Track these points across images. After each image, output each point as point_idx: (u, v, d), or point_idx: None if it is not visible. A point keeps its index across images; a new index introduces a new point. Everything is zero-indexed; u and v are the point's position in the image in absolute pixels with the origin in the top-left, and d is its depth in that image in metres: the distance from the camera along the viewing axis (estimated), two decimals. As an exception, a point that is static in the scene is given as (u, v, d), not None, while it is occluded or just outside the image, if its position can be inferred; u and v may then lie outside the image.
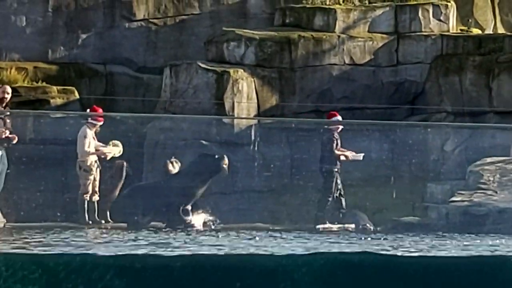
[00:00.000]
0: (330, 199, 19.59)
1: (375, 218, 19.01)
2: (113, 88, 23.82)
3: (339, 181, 19.80)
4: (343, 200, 19.74)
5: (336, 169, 19.83)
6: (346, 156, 19.79)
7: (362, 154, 19.90)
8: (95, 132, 19.35)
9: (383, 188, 19.52)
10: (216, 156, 19.40)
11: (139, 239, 13.91)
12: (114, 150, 19.38)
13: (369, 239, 14.73)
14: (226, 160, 19.22)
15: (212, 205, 18.84)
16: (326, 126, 19.86)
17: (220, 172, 19.15)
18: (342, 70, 23.45)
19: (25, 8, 24.17)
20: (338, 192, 19.74)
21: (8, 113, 19.27)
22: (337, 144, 19.81)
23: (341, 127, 19.85)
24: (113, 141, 19.45)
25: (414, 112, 22.73)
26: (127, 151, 19.66)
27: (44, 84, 23.06)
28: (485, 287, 9.16)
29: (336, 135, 19.85)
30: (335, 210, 19.60)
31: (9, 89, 19.96)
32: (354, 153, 19.86)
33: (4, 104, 19.45)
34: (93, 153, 19.24)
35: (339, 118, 19.86)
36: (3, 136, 18.90)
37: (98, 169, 19.29)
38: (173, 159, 19.66)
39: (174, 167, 19.55)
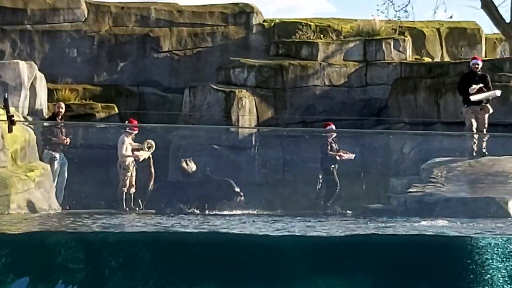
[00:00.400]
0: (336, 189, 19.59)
1: (349, 205, 18.96)
2: (144, 105, 23.84)
3: (335, 176, 19.78)
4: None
5: (332, 167, 19.78)
6: (340, 156, 19.72)
7: (354, 155, 19.84)
8: (132, 139, 19.37)
9: (356, 182, 19.50)
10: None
11: (161, 222, 13.86)
12: (145, 154, 19.38)
13: (343, 222, 14.65)
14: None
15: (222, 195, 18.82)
16: (323, 134, 19.80)
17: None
18: (323, 90, 23.45)
19: (76, 42, 24.19)
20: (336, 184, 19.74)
21: (63, 124, 19.34)
22: (331, 147, 19.75)
23: (334, 134, 19.75)
24: (148, 140, 19.45)
25: (379, 123, 22.69)
26: (156, 154, 19.66)
27: (90, 101, 23.07)
28: (429, 258, 9.15)
29: (330, 140, 19.78)
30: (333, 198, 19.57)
31: (63, 105, 20.04)
32: (347, 154, 19.79)
33: (60, 117, 19.51)
34: (129, 156, 19.26)
35: (333, 127, 19.84)
36: (65, 142, 18.98)
37: (134, 168, 19.31)
38: (187, 159, 19.64)
39: (188, 166, 19.52)
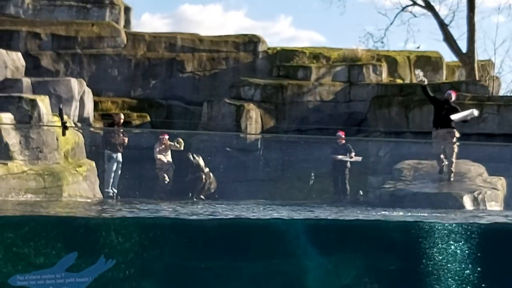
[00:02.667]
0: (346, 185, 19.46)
1: (335, 197, 18.92)
2: (171, 115, 23.82)
3: (347, 173, 19.62)
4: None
5: (344, 167, 19.65)
6: (351, 157, 19.60)
7: (361, 158, 19.68)
8: (164, 145, 19.29)
9: (340, 179, 19.42)
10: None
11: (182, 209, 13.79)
12: (178, 147, 19.39)
13: (329, 211, 14.55)
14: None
15: (233, 188, 18.78)
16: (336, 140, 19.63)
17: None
18: (315, 105, 23.43)
19: (117, 64, 24.21)
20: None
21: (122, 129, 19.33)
22: (338, 152, 19.60)
23: (343, 141, 19.59)
24: (178, 138, 19.45)
25: (360, 132, 22.67)
26: (180, 155, 19.60)
27: (128, 111, 23.05)
28: (396, 240, 9.12)
29: (339, 145, 19.64)
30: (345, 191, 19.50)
31: (122, 116, 20.14)
32: (355, 157, 19.67)
33: (119, 126, 19.51)
34: (161, 157, 19.22)
35: (341, 134, 19.73)
36: (124, 142, 18.91)
37: (170, 168, 19.21)
38: (193, 153, 19.51)
39: (194, 158, 19.44)
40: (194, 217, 10.92)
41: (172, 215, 10.97)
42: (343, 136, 19.68)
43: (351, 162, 19.62)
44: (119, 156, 18.72)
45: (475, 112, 17.61)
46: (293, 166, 20.18)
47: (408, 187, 16.96)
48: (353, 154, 19.67)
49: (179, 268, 8.75)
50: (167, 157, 19.38)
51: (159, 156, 19.27)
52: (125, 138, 18.85)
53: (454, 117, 16.95)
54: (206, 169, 19.46)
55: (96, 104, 22.39)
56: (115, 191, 18.29)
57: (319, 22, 55.48)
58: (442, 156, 17.07)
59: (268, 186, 19.53)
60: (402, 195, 16.46)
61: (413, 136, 21.09)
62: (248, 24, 55.55)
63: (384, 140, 21.41)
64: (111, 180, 18.41)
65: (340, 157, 19.57)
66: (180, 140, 19.45)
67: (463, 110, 20.20)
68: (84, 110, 21.13)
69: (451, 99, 17.48)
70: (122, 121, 19.88)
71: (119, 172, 18.66)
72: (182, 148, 19.54)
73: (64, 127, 8.73)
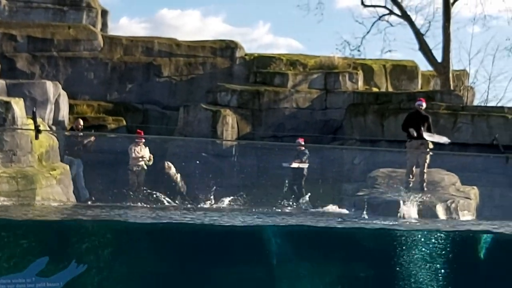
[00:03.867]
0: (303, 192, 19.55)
1: (311, 204, 18.92)
2: (147, 119, 23.76)
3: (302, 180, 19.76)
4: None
5: (299, 174, 19.75)
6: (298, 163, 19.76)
7: (307, 165, 19.85)
8: (139, 147, 19.20)
9: (316, 186, 19.44)
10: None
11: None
12: (147, 155, 19.26)
13: (305, 216, 14.57)
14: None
15: (208, 194, 18.69)
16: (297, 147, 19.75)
17: None
18: (291, 112, 23.47)
19: (93, 67, 24.16)
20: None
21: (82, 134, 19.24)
22: (297, 158, 19.71)
23: (302, 148, 19.66)
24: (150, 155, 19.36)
25: (335, 139, 22.74)
26: (157, 160, 19.52)
27: (104, 115, 22.97)
28: (369, 247, 9.15)
29: (298, 152, 19.72)
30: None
31: (82, 122, 20.01)
32: (302, 164, 19.78)
33: (79, 131, 19.43)
34: (135, 160, 19.14)
35: (301, 141, 19.82)
36: (89, 144, 18.81)
37: (142, 170, 19.12)
38: (168, 162, 19.47)
39: (169, 167, 19.38)
40: (167, 221, 10.88)
41: (145, 219, 10.91)
42: (303, 143, 19.72)
43: (307, 169, 19.73)
44: (79, 161, 18.64)
45: (447, 141, 17.82)
46: (268, 173, 20.18)
47: (382, 195, 17.01)
48: (304, 159, 19.72)
49: (152, 273, 8.72)
50: (141, 158, 19.23)
51: (133, 155, 19.13)
52: (87, 142, 18.76)
53: (427, 136, 17.09)
54: (178, 175, 19.36)
55: (71, 107, 22.28)
56: (84, 195, 18.18)
57: (297, 29, 55.70)
58: (413, 168, 17.17)
59: (243, 192, 19.48)
60: (376, 203, 16.49)
61: (388, 144, 21.17)
62: (227, 30, 55.65)
63: (359, 148, 21.47)
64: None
65: (285, 164, 19.65)
66: (151, 157, 19.34)
67: (437, 119, 20.36)
68: (59, 113, 21.01)
69: (422, 107, 17.61)
70: (81, 126, 19.78)
71: (82, 175, 18.56)
72: (150, 163, 19.37)
73: (37, 131, 8.67)
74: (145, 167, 19.27)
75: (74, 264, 7.03)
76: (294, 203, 18.71)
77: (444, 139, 17.87)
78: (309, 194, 19.25)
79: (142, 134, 19.44)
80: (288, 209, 16.83)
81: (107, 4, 26.50)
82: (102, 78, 24.13)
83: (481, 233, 9.94)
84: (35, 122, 9.08)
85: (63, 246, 8.34)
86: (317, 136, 22.29)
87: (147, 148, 19.32)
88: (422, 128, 17.00)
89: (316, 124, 23.26)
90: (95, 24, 24.98)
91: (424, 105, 17.79)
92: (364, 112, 22.78)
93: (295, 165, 19.73)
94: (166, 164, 19.40)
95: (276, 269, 8.80)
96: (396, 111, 21.55)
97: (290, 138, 21.86)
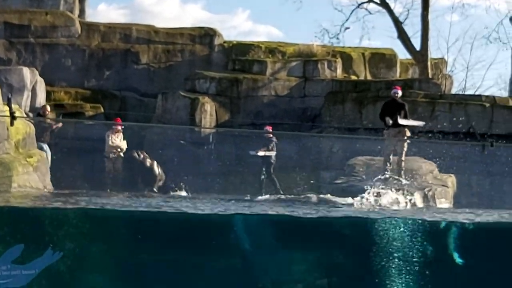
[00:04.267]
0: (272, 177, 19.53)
1: (288, 191, 18.94)
2: (125, 106, 23.68)
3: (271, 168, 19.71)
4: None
5: (268, 162, 19.73)
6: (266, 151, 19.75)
7: (275, 152, 19.73)
8: (116, 134, 19.11)
9: (293, 173, 19.48)
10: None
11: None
12: (123, 146, 19.17)
13: (284, 203, 14.56)
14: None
15: (185, 181, 18.67)
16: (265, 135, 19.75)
17: None
18: (270, 99, 23.47)
19: (71, 54, 24.05)
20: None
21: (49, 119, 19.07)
22: (264, 146, 19.70)
23: (271, 135, 19.67)
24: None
25: (314, 127, 22.78)
26: (135, 147, 19.46)
27: (81, 102, 22.88)
28: (345, 234, 9.18)
29: (267, 140, 19.72)
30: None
31: (49, 108, 19.87)
32: (269, 152, 19.75)
33: (46, 116, 19.29)
34: (112, 147, 19.07)
35: (269, 129, 19.83)
36: (56, 128, 18.69)
37: (119, 158, 19.04)
38: (139, 151, 19.39)
39: (139, 156, 19.27)
40: (144, 210, 10.86)
41: (121, 207, 10.88)
42: (270, 131, 19.71)
43: (275, 157, 19.73)
44: (46, 146, 18.54)
45: (422, 124, 18.03)
46: (246, 161, 20.19)
47: (359, 183, 17.05)
48: (271, 146, 19.68)
49: (127, 261, 8.70)
50: (118, 144, 19.15)
51: (110, 143, 19.06)
52: (55, 128, 18.63)
53: (402, 122, 17.14)
54: (155, 163, 19.29)
55: (48, 94, 22.16)
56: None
57: (276, 17, 55.68)
58: (391, 156, 17.22)
59: (220, 180, 19.50)
60: (354, 191, 16.53)
61: (366, 132, 21.24)
62: (206, 17, 55.47)
63: (337, 136, 21.52)
64: None
65: (252, 152, 19.63)
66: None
67: (415, 107, 20.44)
68: (36, 99, 20.92)
69: (398, 95, 17.64)
70: (48, 112, 19.66)
71: (49, 161, 18.48)
72: (124, 148, 19.28)
73: (12, 117, 8.61)
74: (122, 155, 19.21)
75: (50, 251, 6.98)
76: (264, 191, 18.72)
77: (419, 123, 18.00)
78: (278, 182, 19.24)
79: (119, 128, 19.32)
80: (262, 198, 16.78)
81: (85, -10, 26.28)
82: (79, 65, 24.01)
83: (456, 222, 10.00)
84: (10, 108, 9.01)
85: (39, 234, 8.29)
86: (296, 124, 22.32)
87: (124, 140, 19.23)
88: (399, 116, 17.07)
89: (294, 112, 23.28)
90: (72, 10, 24.83)
91: (400, 93, 17.84)
92: (343, 100, 22.83)
93: (261, 153, 19.66)
94: (136, 152, 19.25)
95: (252, 257, 8.81)
96: (375, 99, 21.61)
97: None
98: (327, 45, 26.46)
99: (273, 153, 19.73)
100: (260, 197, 16.72)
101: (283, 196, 18.05)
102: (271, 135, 19.59)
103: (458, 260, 8.90)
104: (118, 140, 19.13)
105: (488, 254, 8.77)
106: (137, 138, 20.07)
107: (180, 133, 21.22)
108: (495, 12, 62.34)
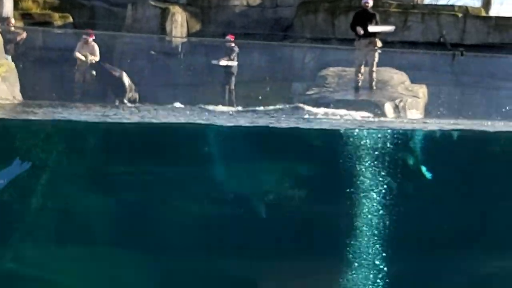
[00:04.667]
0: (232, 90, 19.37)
1: (260, 103, 18.90)
2: (95, 16, 23.28)
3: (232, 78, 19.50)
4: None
5: (229, 73, 19.49)
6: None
7: (236, 62, 19.36)
8: (87, 44, 18.80)
9: (265, 85, 19.38)
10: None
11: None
12: (95, 58, 18.89)
13: (255, 115, 14.50)
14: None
15: (155, 92, 18.56)
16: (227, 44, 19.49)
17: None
18: (241, 9, 23.21)
19: (38, -38, 23.42)
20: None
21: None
22: (226, 55, 19.43)
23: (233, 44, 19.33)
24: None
25: (286, 37, 22.63)
26: (105, 57, 19.19)
27: (50, 11, 22.45)
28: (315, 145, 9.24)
29: (226, 49, 19.43)
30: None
31: (13, 20, 19.44)
32: (230, 61, 19.47)
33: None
34: (80, 57, 18.79)
35: (230, 38, 19.54)
36: (20, 38, 18.42)
37: (89, 69, 18.79)
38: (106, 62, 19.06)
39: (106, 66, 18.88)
40: (115, 121, 10.81)
41: (91, 118, 10.82)
42: (232, 40, 19.46)
43: (236, 67, 19.42)
44: (9, 58, 18.25)
45: (392, 29, 18.00)
46: (217, 71, 20.05)
47: (331, 94, 17.08)
48: (232, 56, 19.33)
49: (100, 173, 8.71)
50: (89, 57, 18.88)
51: (78, 55, 18.80)
52: (19, 40, 18.36)
53: (372, 29, 17.06)
54: (123, 73, 19.00)
55: (16, 3, 21.66)
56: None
57: None
58: (362, 67, 17.18)
59: (191, 91, 19.38)
60: (326, 102, 16.57)
61: (339, 43, 21.12)
62: None
63: (310, 46, 21.41)
64: None
65: (214, 62, 19.36)
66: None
67: (387, 17, 20.31)
68: (3, 9, 20.48)
69: (369, 5, 17.49)
70: (12, 25, 19.34)
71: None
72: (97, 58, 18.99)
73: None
74: (94, 68, 18.97)
75: (18, 162, 6.91)
76: (223, 102, 18.58)
77: (389, 28, 17.96)
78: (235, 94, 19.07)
79: (91, 39, 18.96)
80: (232, 108, 16.73)
81: None
82: (46, -27, 23.43)
83: (425, 130, 10.10)
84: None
85: (8, 145, 8.25)
86: (268, 34, 22.14)
87: (97, 48, 18.92)
88: (370, 26, 16.98)
89: (266, 22, 23.06)
90: None
91: (371, 3, 17.71)
92: (315, 10, 22.62)
93: (223, 62, 19.41)
94: (103, 63, 18.95)
95: (222, 167, 8.85)
96: (347, 9, 21.42)
97: (240, 36, 21.62)
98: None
99: (234, 63, 19.47)
100: (230, 108, 16.68)
101: (256, 108, 18.06)
102: (233, 44, 19.33)
103: (427, 171, 9.01)
104: (89, 46, 18.84)
105: (457, 163, 8.90)
106: (106, 48, 19.77)
107: (150, 43, 20.98)
108: None
